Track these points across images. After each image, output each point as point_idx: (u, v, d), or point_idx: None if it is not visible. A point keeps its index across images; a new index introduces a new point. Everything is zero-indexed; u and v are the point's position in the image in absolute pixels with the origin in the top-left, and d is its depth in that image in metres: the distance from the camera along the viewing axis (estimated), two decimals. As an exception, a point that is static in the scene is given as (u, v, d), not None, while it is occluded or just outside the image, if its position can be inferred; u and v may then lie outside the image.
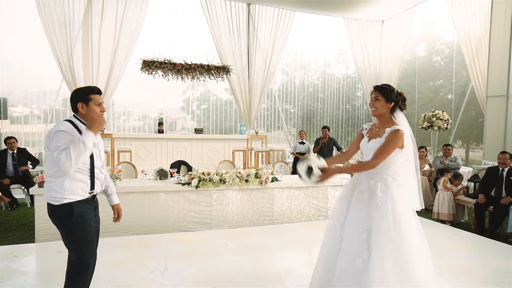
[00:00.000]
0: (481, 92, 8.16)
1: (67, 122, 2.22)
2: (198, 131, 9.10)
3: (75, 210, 2.19)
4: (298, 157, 8.23)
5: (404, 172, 2.42)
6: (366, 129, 2.59)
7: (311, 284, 2.61)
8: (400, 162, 2.41)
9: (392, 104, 2.44)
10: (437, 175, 6.14)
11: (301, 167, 2.36)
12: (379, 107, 2.44)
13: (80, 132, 2.17)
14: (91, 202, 2.33)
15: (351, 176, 2.57)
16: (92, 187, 2.29)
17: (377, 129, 2.50)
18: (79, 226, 2.20)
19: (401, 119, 2.47)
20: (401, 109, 2.50)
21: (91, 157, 2.26)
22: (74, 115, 2.30)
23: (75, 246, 2.24)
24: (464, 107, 9.31)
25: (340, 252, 2.35)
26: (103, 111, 2.31)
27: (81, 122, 2.26)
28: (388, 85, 2.48)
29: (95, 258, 2.33)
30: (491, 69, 7.73)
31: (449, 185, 5.64)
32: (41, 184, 4.06)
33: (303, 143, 8.49)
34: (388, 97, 2.43)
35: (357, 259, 2.23)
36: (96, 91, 2.31)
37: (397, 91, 2.47)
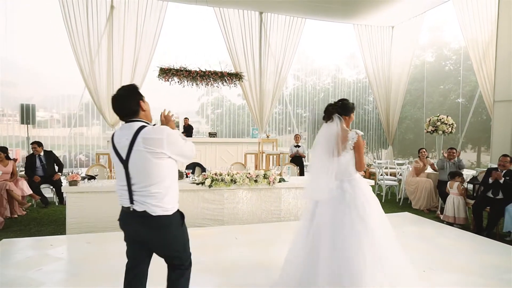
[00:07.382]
0: (488, 97, 8.31)
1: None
2: (212, 134, 9.50)
3: (182, 215, 2.22)
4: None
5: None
6: None
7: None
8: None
9: None
10: (448, 178, 6.07)
11: None
12: None
13: None
14: None
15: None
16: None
17: None
18: (185, 228, 2.26)
19: None
20: None
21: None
22: (138, 120, 2.07)
23: (185, 248, 2.26)
24: (475, 111, 9.42)
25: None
26: None
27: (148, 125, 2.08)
28: None
29: None
30: (498, 74, 7.87)
31: (461, 188, 5.64)
32: (72, 183, 4.52)
33: (298, 146, 8.82)
34: None
35: None
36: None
37: None
